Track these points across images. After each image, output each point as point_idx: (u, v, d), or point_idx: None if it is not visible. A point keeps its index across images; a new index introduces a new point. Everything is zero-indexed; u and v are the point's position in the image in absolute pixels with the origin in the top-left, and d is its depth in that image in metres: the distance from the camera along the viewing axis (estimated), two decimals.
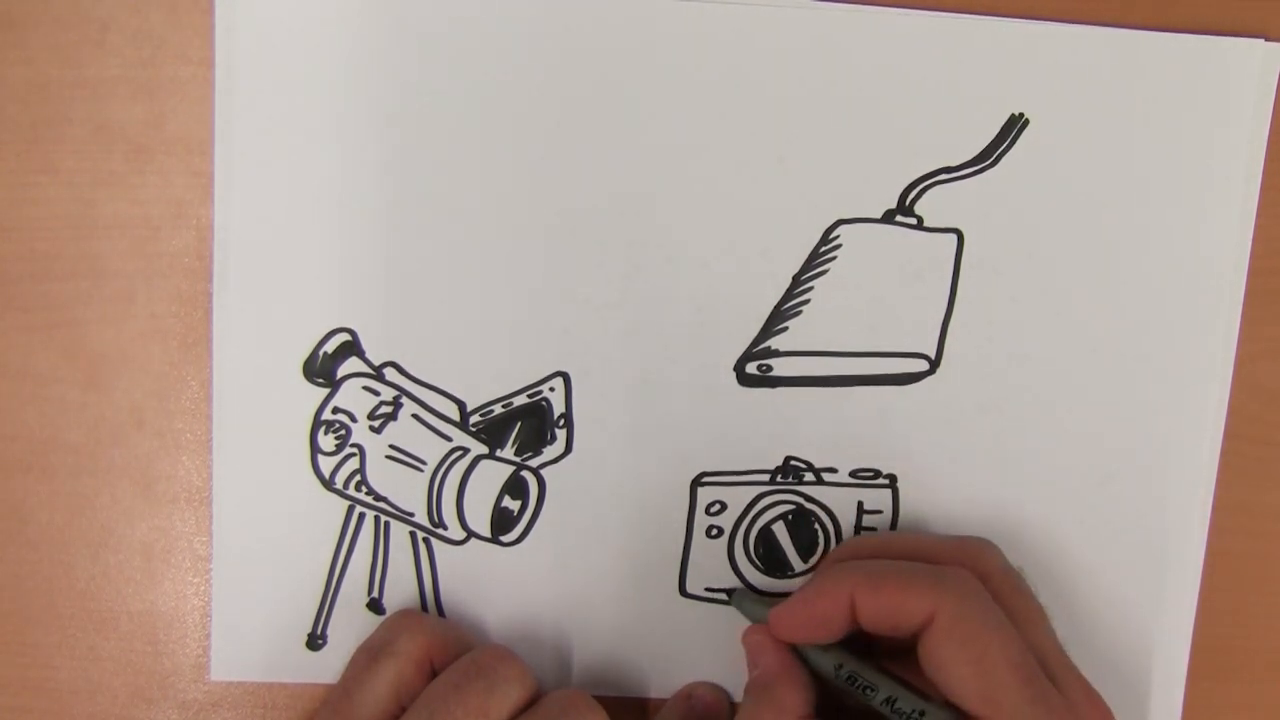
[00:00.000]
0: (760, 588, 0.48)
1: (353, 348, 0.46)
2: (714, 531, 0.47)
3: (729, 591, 0.47)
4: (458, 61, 0.45)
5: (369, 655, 0.44)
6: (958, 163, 0.46)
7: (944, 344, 0.47)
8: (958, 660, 0.40)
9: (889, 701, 0.42)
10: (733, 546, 0.47)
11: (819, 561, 0.48)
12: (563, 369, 0.47)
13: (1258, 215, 0.47)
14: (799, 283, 0.46)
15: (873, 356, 0.47)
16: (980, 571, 0.43)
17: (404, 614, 0.45)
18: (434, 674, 0.44)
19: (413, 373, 0.46)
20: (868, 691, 0.42)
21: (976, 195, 0.46)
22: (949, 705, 0.41)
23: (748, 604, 0.46)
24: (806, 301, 0.46)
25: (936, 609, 0.41)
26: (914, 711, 0.41)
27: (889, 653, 0.44)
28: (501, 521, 0.47)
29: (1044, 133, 0.46)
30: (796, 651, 0.44)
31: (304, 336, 0.46)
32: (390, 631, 0.44)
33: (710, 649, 0.48)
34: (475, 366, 0.46)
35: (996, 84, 0.46)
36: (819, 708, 0.43)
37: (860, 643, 0.44)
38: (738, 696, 0.48)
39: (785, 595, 0.45)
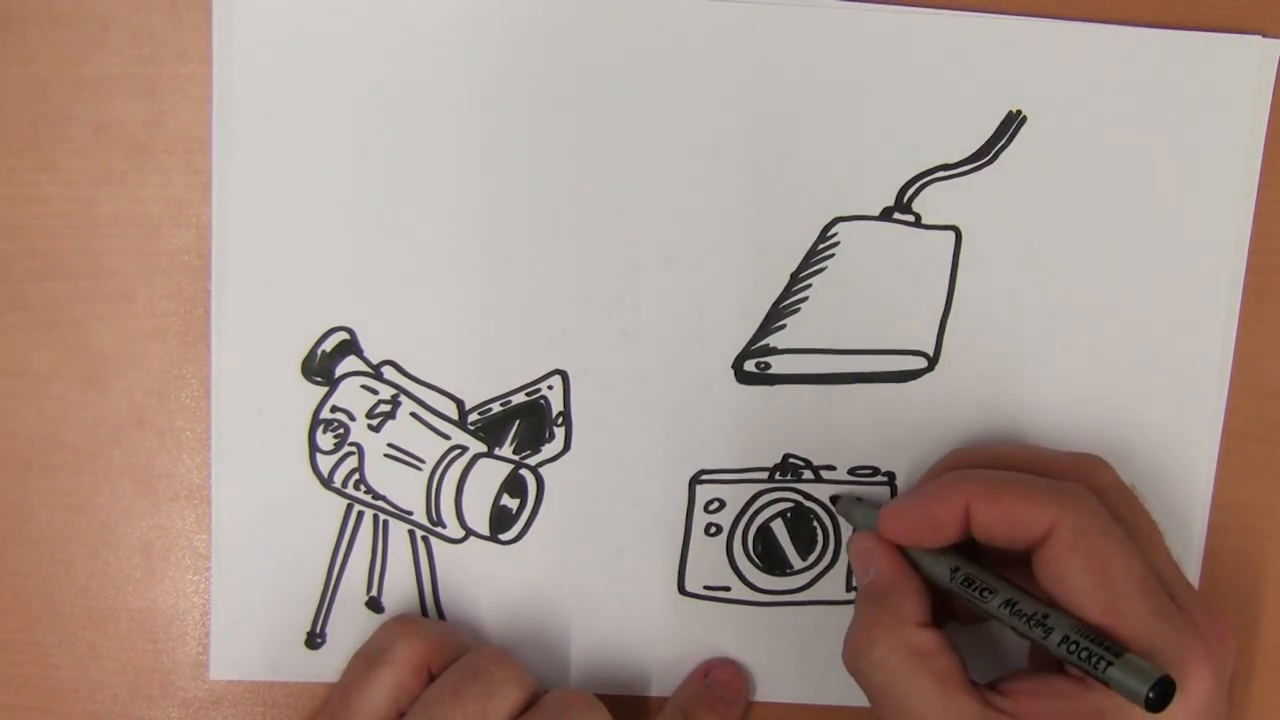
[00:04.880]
0: (759, 585, 0.48)
1: (351, 346, 0.46)
2: (713, 529, 0.47)
3: (834, 498, 0.47)
4: (455, 60, 0.45)
5: (366, 663, 0.44)
6: (956, 160, 0.46)
7: (942, 341, 0.47)
8: (1080, 573, 0.40)
9: (1009, 604, 0.40)
10: (731, 544, 0.47)
11: (819, 558, 0.48)
12: (561, 367, 0.47)
13: (1256, 212, 0.47)
14: (797, 280, 0.46)
15: (871, 354, 0.47)
16: (1095, 487, 0.42)
17: (400, 620, 0.45)
18: (432, 679, 0.44)
19: (411, 371, 0.46)
20: (985, 594, 0.41)
21: (974, 192, 0.46)
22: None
23: (855, 511, 0.46)
24: (804, 299, 0.46)
25: (1056, 522, 0.40)
26: (1036, 614, 0.40)
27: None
28: (500, 520, 0.47)
29: (1042, 130, 0.46)
30: (907, 557, 0.43)
31: (302, 335, 0.46)
32: (387, 638, 0.44)
33: (710, 646, 0.48)
34: (473, 365, 0.46)
35: (994, 81, 0.46)
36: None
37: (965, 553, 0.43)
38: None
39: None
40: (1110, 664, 0.38)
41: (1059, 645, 0.39)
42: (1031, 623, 0.40)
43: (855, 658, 0.42)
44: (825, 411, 0.47)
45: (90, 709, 0.47)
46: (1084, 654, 0.38)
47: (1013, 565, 0.42)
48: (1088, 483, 0.42)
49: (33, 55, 0.45)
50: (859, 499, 0.47)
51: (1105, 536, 0.40)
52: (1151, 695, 0.37)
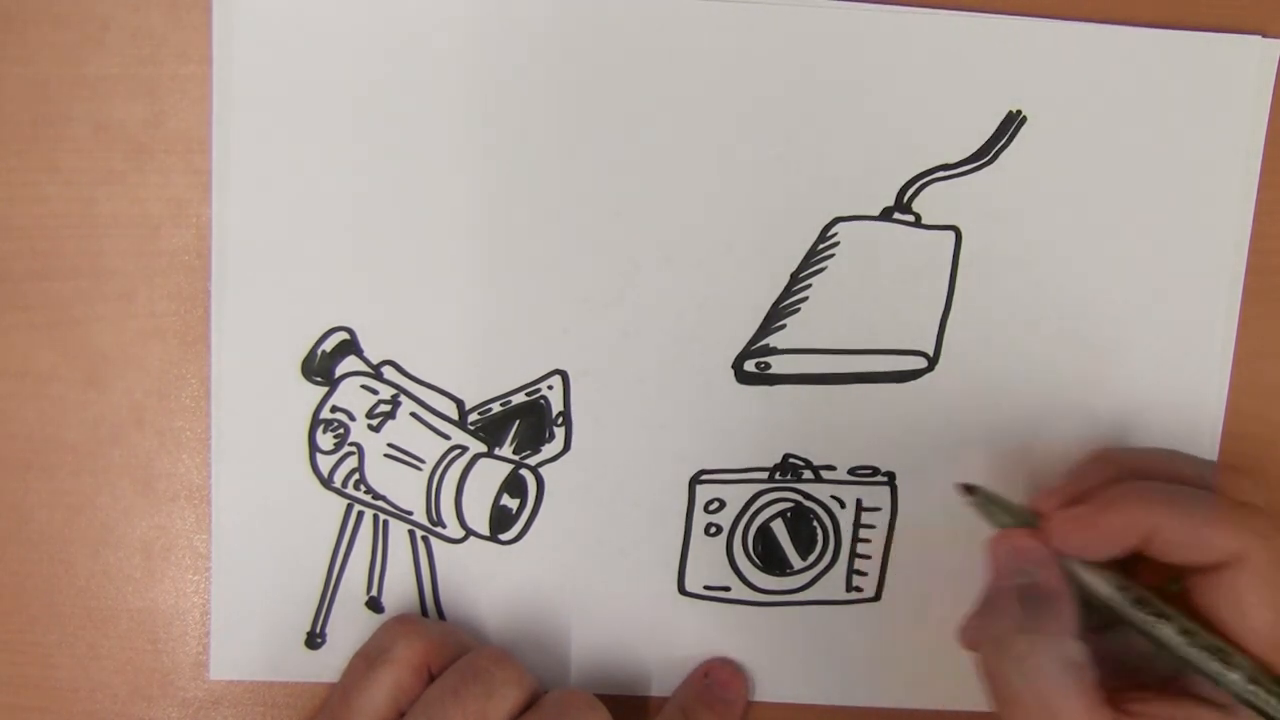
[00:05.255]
0: (759, 585, 0.48)
1: (351, 346, 0.46)
2: (713, 529, 0.47)
3: (969, 488, 0.44)
4: (456, 60, 0.45)
5: (366, 662, 0.44)
6: (955, 160, 0.46)
7: (942, 341, 0.47)
8: (1266, 606, 0.39)
9: (1186, 633, 0.39)
10: (731, 544, 0.47)
11: (818, 558, 0.48)
12: (561, 367, 0.47)
13: (1256, 212, 0.47)
14: (797, 280, 0.46)
15: (871, 354, 0.47)
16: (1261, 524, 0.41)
17: (400, 619, 0.45)
18: (432, 678, 0.44)
19: (411, 371, 0.46)
20: (1158, 619, 0.40)
21: (974, 193, 0.46)
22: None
23: (995, 507, 0.43)
24: (805, 299, 0.46)
25: (1248, 551, 0.39)
26: (1212, 646, 0.39)
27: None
28: (500, 520, 0.47)
29: (1042, 130, 0.46)
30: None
31: (302, 335, 0.46)
32: (387, 638, 0.44)
33: (710, 646, 0.48)
34: (473, 365, 0.46)
35: (994, 81, 0.46)
36: None
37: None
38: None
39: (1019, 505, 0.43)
40: None
41: (1243, 682, 0.38)
42: (1208, 655, 0.39)
43: (1003, 655, 0.40)
44: (825, 411, 0.47)
45: (90, 709, 0.47)
46: (1273, 695, 0.38)
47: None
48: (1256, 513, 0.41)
49: (33, 55, 0.45)
50: (997, 495, 0.44)
51: None
52: None
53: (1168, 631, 0.40)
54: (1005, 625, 0.41)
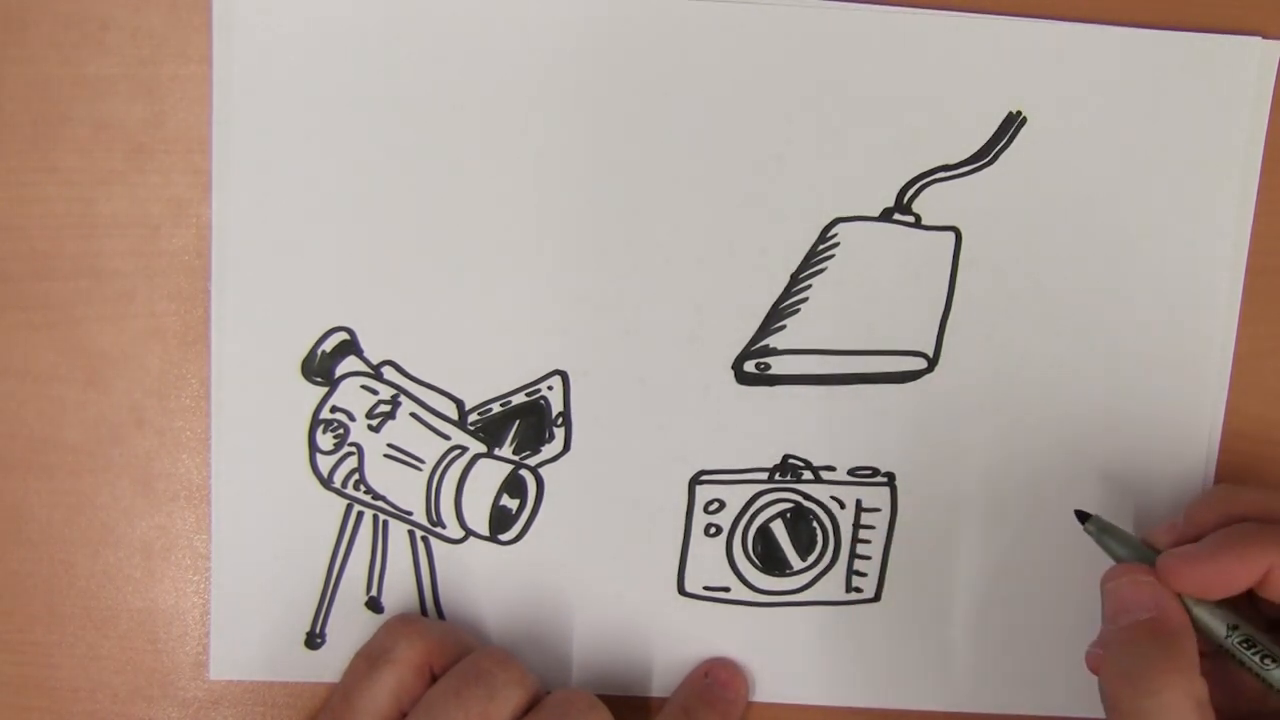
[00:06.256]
0: (759, 586, 0.48)
1: (351, 347, 0.46)
2: (712, 530, 0.47)
3: (1084, 516, 0.45)
4: (456, 61, 0.45)
5: (368, 662, 0.44)
6: (956, 161, 0.46)
7: (942, 342, 0.47)
8: None
9: None
10: (731, 545, 0.47)
11: (818, 559, 0.48)
12: (561, 367, 0.47)
13: (1256, 213, 0.47)
14: (797, 281, 0.46)
15: (871, 355, 0.47)
16: None
17: (402, 619, 0.45)
18: (434, 678, 0.44)
19: (411, 371, 0.46)
20: (1266, 661, 0.40)
21: (974, 193, 0.46)
22: None
23: (1111, 538, 0.44)
24: (805, 300, 0.46)
25: None
26: None
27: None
28: (500, 520, 0.47)
29: (1042, 131, 0.46)
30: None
31: (302, 335, 0.46)
32: (389, 638, 0.44)
33: (710, 646, 0.48)
34: (473, 365, 0.46)
35: (994, 82, 0.46)
36: None
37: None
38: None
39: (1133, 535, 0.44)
40: None
41: None
42: None
43: (1139, 693, 0.39)
44: (825, 412, 0.47)
45: (90, 709, 0.47)
46: None
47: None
48: None
49: (33, 55, 0.45)
50: (1113, 526, 0.44)
51: None
52: None
53: (1275, 673, 0.40)
54: (1136, 659, 0.40)
